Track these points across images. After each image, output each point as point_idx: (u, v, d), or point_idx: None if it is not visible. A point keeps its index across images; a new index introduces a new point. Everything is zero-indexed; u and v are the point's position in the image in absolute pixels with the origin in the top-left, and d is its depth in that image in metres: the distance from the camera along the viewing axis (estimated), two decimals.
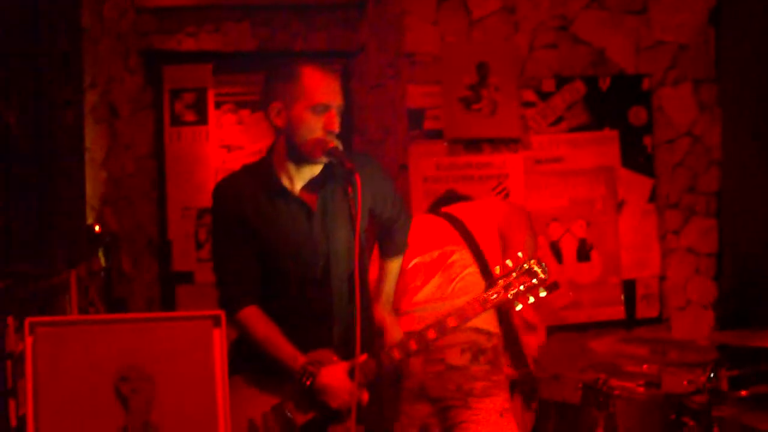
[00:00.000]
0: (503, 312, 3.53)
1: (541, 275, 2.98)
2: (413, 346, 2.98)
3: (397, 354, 2.98)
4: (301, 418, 2.93)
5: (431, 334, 2.97)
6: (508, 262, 3.00)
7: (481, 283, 3.43)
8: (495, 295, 2.98)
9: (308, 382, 2.86)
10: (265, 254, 2.96)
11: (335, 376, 2.86)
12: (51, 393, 2.32)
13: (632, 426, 3.75)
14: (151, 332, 2.44)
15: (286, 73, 2.91)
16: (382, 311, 3.25)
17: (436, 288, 3.52)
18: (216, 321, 2.46)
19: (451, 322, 2.98)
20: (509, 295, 2.98)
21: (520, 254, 3.01)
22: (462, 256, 3.54)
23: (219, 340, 2.44)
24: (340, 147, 2.88)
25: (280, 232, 2.95)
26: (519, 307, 3.02)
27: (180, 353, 2.44)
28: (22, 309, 3.26)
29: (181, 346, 2.44)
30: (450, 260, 3.54)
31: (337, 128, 2.87)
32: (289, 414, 2.93)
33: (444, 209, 3.81)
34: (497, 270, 3.01)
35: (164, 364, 2.43)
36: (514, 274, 2.98)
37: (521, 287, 2.98)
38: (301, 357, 2.89)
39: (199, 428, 2.43)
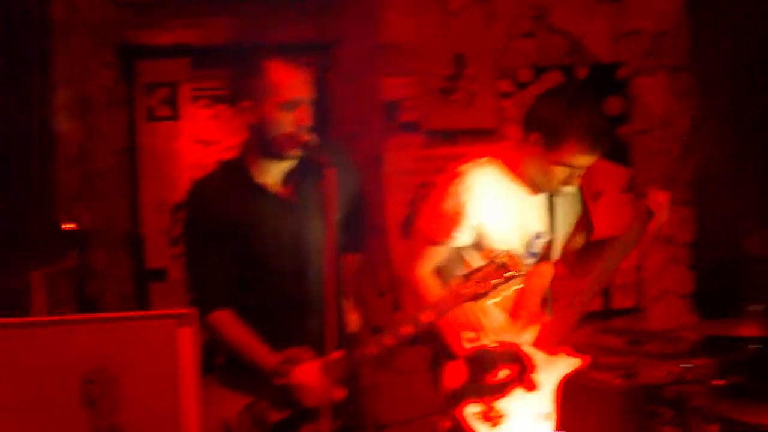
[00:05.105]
0: None
1: (513, 269, 2.97)
2: (389, 341, 2.94)
3: (374, 349, 2.95)
4: (275, 417, 2.92)
5: (406, 330, 2.94)
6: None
7: None
8: (469, 289, 2.97)
9: (282, 381, 2.85)
10: (244, 252, 2.93)
11: (309, 375, 2.84)
12: (11, 396, 2.30)
13: (609, 416, 3.75)
14: (115, 333, 2.41)
15: (252, 69, 2.87)
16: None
17: None
18: (181, 320, 2.44)
19: (426, 317, 2.96)
20: (483, 290, 2.97)
21: (493, 249, 2.99)
22: None
23: (184, 339, 2.42)
24: (314, 140, 2.84)
25: (259, 229, 2.93)
26: (492, 300, 3.00)
27: (144, 353, 2.41)
28: None
29: (145, 346, 2.41)
30: None
31: (309, 122, 2.85)
32: (262, 413, 2.92)
33: None
34: (471, 265, 2.99)
35: (128, 364, 2.40)
36: (487, 269, 2.96)
37: (494, 281, 2.96)
38: (275, 356, 2.87)
39: (163, 428, 2.41)
